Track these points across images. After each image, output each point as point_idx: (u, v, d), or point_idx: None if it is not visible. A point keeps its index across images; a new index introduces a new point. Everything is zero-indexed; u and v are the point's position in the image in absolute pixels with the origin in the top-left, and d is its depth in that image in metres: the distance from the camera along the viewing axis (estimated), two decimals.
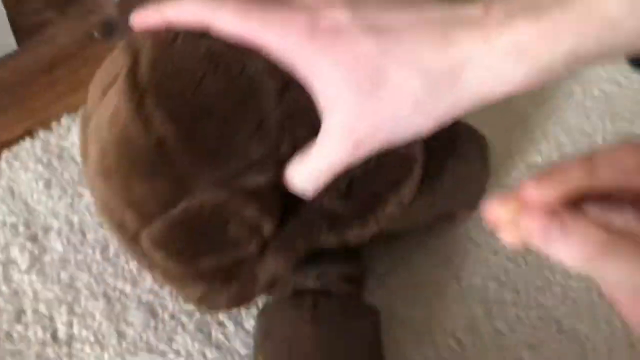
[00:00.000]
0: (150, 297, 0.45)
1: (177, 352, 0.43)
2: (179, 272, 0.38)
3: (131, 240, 0.38)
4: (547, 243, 0.18)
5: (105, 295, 0.45)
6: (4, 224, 0.48)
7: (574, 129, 0.56)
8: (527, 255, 0.49)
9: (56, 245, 0.47)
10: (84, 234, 0.48)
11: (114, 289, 0.46)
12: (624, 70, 0.62)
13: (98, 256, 0.47)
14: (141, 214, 0.36)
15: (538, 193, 0.19)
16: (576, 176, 0.19)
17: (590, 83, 0.60)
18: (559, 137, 0.56)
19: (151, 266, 0.39)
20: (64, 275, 0.46)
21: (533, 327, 0.46)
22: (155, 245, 0.36)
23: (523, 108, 0.57)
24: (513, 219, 0.19)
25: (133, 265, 0.47)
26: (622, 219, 0.18)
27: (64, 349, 0.43)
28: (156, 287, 0.46)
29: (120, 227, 0.38)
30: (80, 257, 0.47)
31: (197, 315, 0.45)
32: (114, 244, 0.47)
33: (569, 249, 0.18)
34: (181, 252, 0.37)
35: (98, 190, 0.39)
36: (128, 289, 0.46)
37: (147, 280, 0.46)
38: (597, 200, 0.19)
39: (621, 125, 0.57)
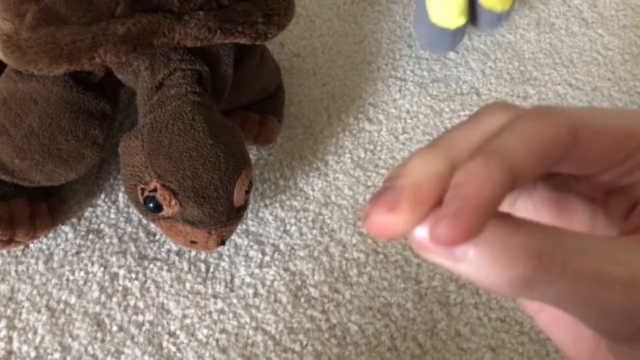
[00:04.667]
0: (97, 309, 0.43)
1: None
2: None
3: (15, 46, 0.38)
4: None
5: (49, 307, 0.43)
6: None
7: None
8: None
9: None
10: (25, 244, 0.45)
11: (58, 300, 0.43)
12: (576, 72, 0.62)
13: (41, 267, 0.44)
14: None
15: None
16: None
17: (546, 85, 0.61)
18: None
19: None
20: (3, 288, 0.43)
21: (494, 329, 0.45)
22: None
23: None
24: None
25: (79, 275, 0.44)
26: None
27: None
28: (103, 298, 0.43)
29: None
30: (21, 268, 0.44)
31: (147, 326, 0.43)
32: (58, 254, 0.45)
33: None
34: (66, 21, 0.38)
35: None
36: (73, 300, 0.43)
37: (94, 291, 0.44)
38: None
39: None
